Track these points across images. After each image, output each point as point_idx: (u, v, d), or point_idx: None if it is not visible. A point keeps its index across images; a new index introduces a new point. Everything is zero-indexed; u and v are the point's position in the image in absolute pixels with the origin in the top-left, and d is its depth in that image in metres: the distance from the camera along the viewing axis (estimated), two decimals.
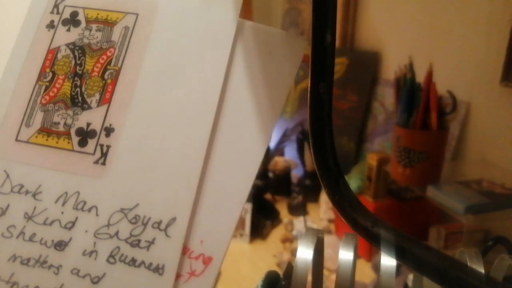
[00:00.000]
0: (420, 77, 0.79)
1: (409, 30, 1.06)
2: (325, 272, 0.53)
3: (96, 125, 0.26)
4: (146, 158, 0.25)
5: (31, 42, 0.28)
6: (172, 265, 0.23)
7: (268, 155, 1.16)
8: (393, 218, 0.86)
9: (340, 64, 1.22)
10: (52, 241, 0.25)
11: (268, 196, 1.13)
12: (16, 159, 0.26)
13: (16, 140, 0.27)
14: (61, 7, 0.28)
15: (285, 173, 1.18)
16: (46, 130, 0.27)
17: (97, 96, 0.26)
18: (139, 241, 0.24)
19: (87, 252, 0.24)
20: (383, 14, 1.15)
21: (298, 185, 1.18)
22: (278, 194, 1.17)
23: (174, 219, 0.24)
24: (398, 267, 0.23)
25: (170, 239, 0.24)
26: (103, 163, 0.25)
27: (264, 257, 0.92)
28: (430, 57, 0.86)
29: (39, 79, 0.27)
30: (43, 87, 0.27)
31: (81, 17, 0.28)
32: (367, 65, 1.17)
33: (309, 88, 0.24)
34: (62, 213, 0.25)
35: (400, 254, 0.22)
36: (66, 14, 0.28)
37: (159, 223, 0.24)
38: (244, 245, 0.96)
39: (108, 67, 0.27)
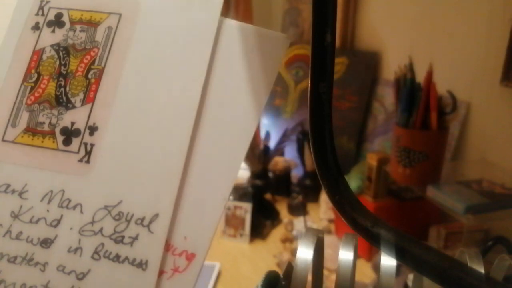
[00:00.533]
0: (420, 77, 0.79)
1: (409, 30, 1.06)
2: (325, 272, 0.53)
3: (80, 124, 0.27)
4: (129, 155, 0.26)
5: (16, 44, 0.28)
6: (155, 260, 0.24)
7: (268, 155, 1.16)
8: (393, 218, 0.86)
9: (340, 64, 1.22)
10: (38, 238, 0.25)
11: (268, 196, 1.13)
12: (2, 159, 0.27)
13: (3, 140, 0.27)
14: (46, 8, 0.29)
15: (285, 173, 1.18)
16: (32, 130, 0.27)
17: (81, 95, 0.27)
18: (123, 237, 0.24)
19: (72, 249, 0.25)
20: (383, 14, 1.15)
21: (298, 185, 1.18)
22: (278, 194, 1.17)
23: (157, 215, 0.24)
24: (398, 267, 0.23)
25: (153, 235, 0.24)
26: (87, 161, 0.26)
27: (264, 257, 0.92)
28: (430, 57, 0.86)
29: (24, 80, 0.28)
30: (29, 87, 0.28)
31: (65, 18, 0.28)
32: (367, 65, 1.17)
33: (309, 88, 0.24)
34: (48, 211, 0.26)
35: (400, 254, 0.22)
36: (51, 16, 0.28)
37: (142, 219, 0.24)
38: (244, 245, 0.96)
39: (92, 66, 0.27)
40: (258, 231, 0.99)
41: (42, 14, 0.28)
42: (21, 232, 0.26)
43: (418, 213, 0.86)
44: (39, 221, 0.25)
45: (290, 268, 0.25)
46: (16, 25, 0.29)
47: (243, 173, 1.26)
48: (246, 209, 0.97)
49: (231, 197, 1.00)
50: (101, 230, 0.25)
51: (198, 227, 0.24)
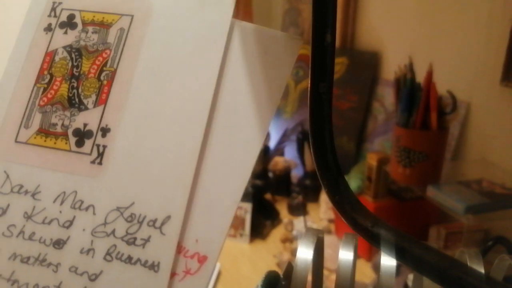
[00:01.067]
0: (420, 77, 0.79)
1: (409, 30, 1.06)
2: (325, 272, 0.53)
3: (93, 126, 0.27)
4: (141, 157, 0.26)
5: (29, 45, 0.28)
6: (167, 262, 0.24)
7: (268, 155, 1.16)
8: (393, 218, 0.86)
9: (340, 64, 1.22)
10: (51, 239, 0.25)
11: (268, 196, 1.13)
12: (15, 160, 0.27)
13: (16, 141, 0.27)
14: (58, 10, 0.29)
15: (285, 173, 1.18)
16: (44, 131, 0.27)
17: (94, 97, 0.27)
18: (135, 239, 0.25)
19: (85, 250, 0.25)
20: (383, 14, 1.15)
21: (298, 185, 1.18)
22: (278, 194, 1.17)
23: (169, 217, 0.24)
24: (398, 267, 0.23)
25: (165, 237, 0.24)
26: (100, 163, 0.26)
27: (264, 257, 0.92)
28: (430, 57, 0.86)
29: (37, 81, 0.28)
30: (41, 89, 0.28)
31: (77, 19, 0.28)
32: (367, 65, 1.17)
33: (309, 88, 0.24)
34: (60, 212, 0.26)
35: (400, 254, 0.22)
36: (63, 17, 0.29)
37: (154, 221, 0.25)
38: (244, 245, 0.96)
39: (104, 68, 0.27)
40: (258, 231, 0.99)
41: (55, 16, 0.29)
42: (34, 233, 0.26)
43: (418, 213, 0.86)
44: (52, 222, 0.26)
45: (290, 268, 0.25)
46: (29, 26, 0.29)
47: None
48: (246, 209, 0.97)
49: None
50: (113, 231, 0.25)
51: (209, 229, 0.24)
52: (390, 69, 1.08)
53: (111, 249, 0.25)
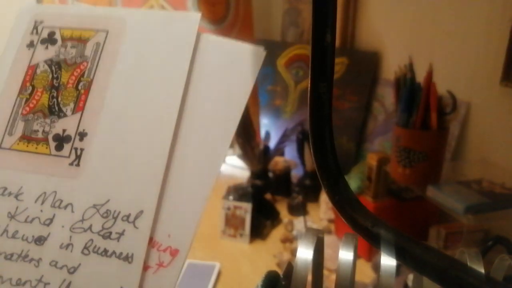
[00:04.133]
0: (420, 77, 0.79)
1: (409, 30, 1.06)
2: (325, 272, 0.53)
3: (71, 131, 0.29)
4: (116, 158, 0.28)
5: (13, 60, 0.31)
6: (140, 253, 0.26)
7: (268, 155, 1.16)
8: (393, 218, 0.86)
9: (340, 64, 1.22)
10: (33, 236, 0.27)
11: (268, 196, 1.13)
12: (0, 164, 0.29)
13: (0, 147, 0.30)
14: (40, 28, 0.31)
15: (285, 173, 1.18)
16: (27, 138, 0.30)
17: (72, 105, 0.30)
18: (110, 233, 0.27)
19: (64, 245, 0.27)
20: (383, 14, 1.15)
21: (298, 185, 1.18)
22: (278, 194, 1.17)
23: (141, 212, 0.27)
24: (398, 267, 0.23)
25: (138, 230, 0.26)
26: (77, 165, 0.28)
27: (264, 257, 0.92)
28: (430, 57, 0.86)
29: (20, 92, 0.31)
30: (24, 99, 0.30)
31: (57, 36, 0.31)
32: (367, 65, 1.17)
33: (309, 88, 0.24)
34: (41, 211, 0.28)
35: (400, 254, 0.22)
36: (45, 34, 0.31)
37: (128, 216, 0.27)
38: (244, 245, 0.96)
39: (82, 79, 0.30)
40: (258, 231, 0.99)
41: (37, 33, 0.31)
42: (17, 231, 0.28)
43: (418, 213, 0.86)
44: (34, 221, 0.28)
45: (290, 268, 0.25)
46: (13, 43, 0.31)
47: (243, 173, 1.26)
48: (246, 209, 0.97)
49: (231, 197, 1.00)
50: (90, 227, 0.27)
51: (180, 224, 0.26)
52: (390, 69, 1.08)
53: (88, 243, 0.26)
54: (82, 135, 0.29)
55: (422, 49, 1.00)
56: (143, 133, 0.28)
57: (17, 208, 0.28)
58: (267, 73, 1.43)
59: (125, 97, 0.29)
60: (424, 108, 0.77)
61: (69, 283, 0.26)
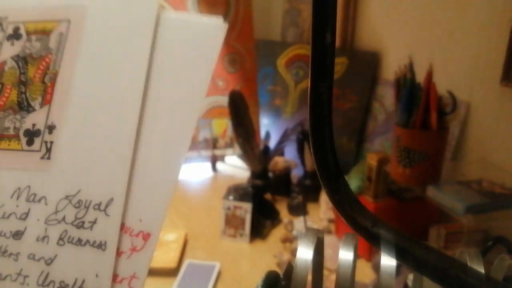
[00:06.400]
0: (420, 77, 0.79)
1: (409, 30, 1.06)
2: (325, 272, 0.53)
3: (40, 125, 0.29)
4: (84, 148, 0.28)
5: None
6: (113, 240, 0.26)
7: (268, 155, 1.16)
8: (393, 218, 0.86)
9: (340, 64, 1.22)
10: (11, 232, 0.28)
11: (268, 196, 1.13)
12: None
13: None
14: (5, 24, 0.31)
15: (285, 173, 1.18)
16: None
17: (39, 99, 0.30)
18: (83, 222, 0.27)
19: (40, 238, 0.27)
20: (383, 14, 1.15)
21: (298, 185, 1.18)
22: (278, 194, 1.17)
23: (112, 199, 0.27)
24: (398, 267, 0.23)
25: (110, 218, 0.27)
26: (48, 158, 0.29)
27: (264, 257, 0.92)
28: (430, 57, 0.86)
29: None
30: None
31: (22, 31, 0.31)
32: (367, 65, 1.17)
33: (309, 88, 0.24)
34: (17, 206, 0.28)
35: (400, 254, 0.22)
36: (10, 30, 0.31)
37: (99, 204, 0.27)
38: (244, 245, 0.96)
39: (47, 71, 0.30)
40: (258, 231, 0.99)
41: (2, 30, 0.31)
42: None
43: (418, 213, 0.86)
44: (10, 216, 0.28)
45: (290, 268, 0.25)
46: None
47: (243, 173, 1.26)
48: (246, 209, 0.97)
49: (231, 197, 1.00)
50: (64, 218, 0.27)
51: (151, 209, 0.27)
52: (390, 69, 1.08)
53: (63, 234, 0.27)
54: (51, 128, 0.29)
55: (422, 49, 1.00)
56: (109, 122, 0.28)
57: None
58: (267, 73, 1.43)
59: (90, 87, 0.29)
60: (424, 108, 0.77)
61: (47, 274, 0.27)
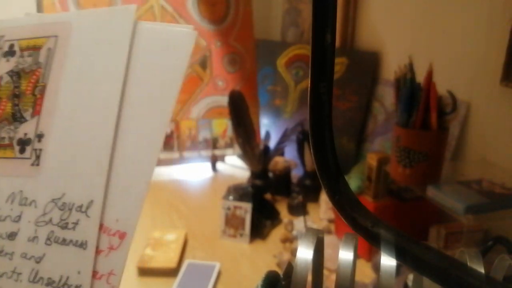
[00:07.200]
0: (420, 77, 0.79)
1: (409, 30, 1.06)
2: (325, 272, 0.53)
3: (31, 134, 0.32)
4: (68, 154, 0.31)
5: None
6: (92, 239, 0.29)
7: (268, 155, 1.16)
8: (393, 218, 0.86)
9: (340, 64, 1.22)
10: (6, 233, 0.31)
11: (268, 196, 1.13)
12: None
13: None
14: (1, 42, 0.34)
15: (285, 173, 1.18)
16: None
17: (30, 110, 0.32)
18: (67, 223, 0.30)
19: (31, 238, 0.30)
20: (383, 14, 1.15)
21: (298, 185, 1.18)
22: (278, 194, 1.17)
23: (91, 201, 0.29)
24: (398, 267, 0.23)
25: (90, 219, 0.29)
26: (37, 164, 0.31)
27: (264, 257, 0.92)
28: (430, 57, 0.86)
29: None
30: None
31: (16, 47, 0.34)
32: (367, 65, 1.17)
33: (309, 88, 0.24)
34: (12, 209, 0.31)
35: (400, 254, 0.22)
36: (6, 48, 0.34)
37: (81, 206, 0.30)
38: (244, 245, 0.96)
39: (37, 84, 0.33)
40: (258, 231, 0.99)
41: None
42: None
43: (418, 213, 0.87)
44: (6, 219, 0.31)
45: (290, 268, 0.25)
46: None
47: (243, 173, 1.26)
48: (246, 209, 0.97)
49: (231, 197, 1.00)
50: (50, 219, 0.30)
51: (126, 209, 0.29)
52: (390, 69, 1.08)
53: (50, 234, 0.30)
54: (40, 137, 0.32)
55: (422, 49, 1.00)
56: (89, 130, 0.30)
57: None
58: (267, 73, 1.43)
59: (73, 97, 0.31)
60: (424, 108, 0.77)
61: (37, 272, 0.29)
